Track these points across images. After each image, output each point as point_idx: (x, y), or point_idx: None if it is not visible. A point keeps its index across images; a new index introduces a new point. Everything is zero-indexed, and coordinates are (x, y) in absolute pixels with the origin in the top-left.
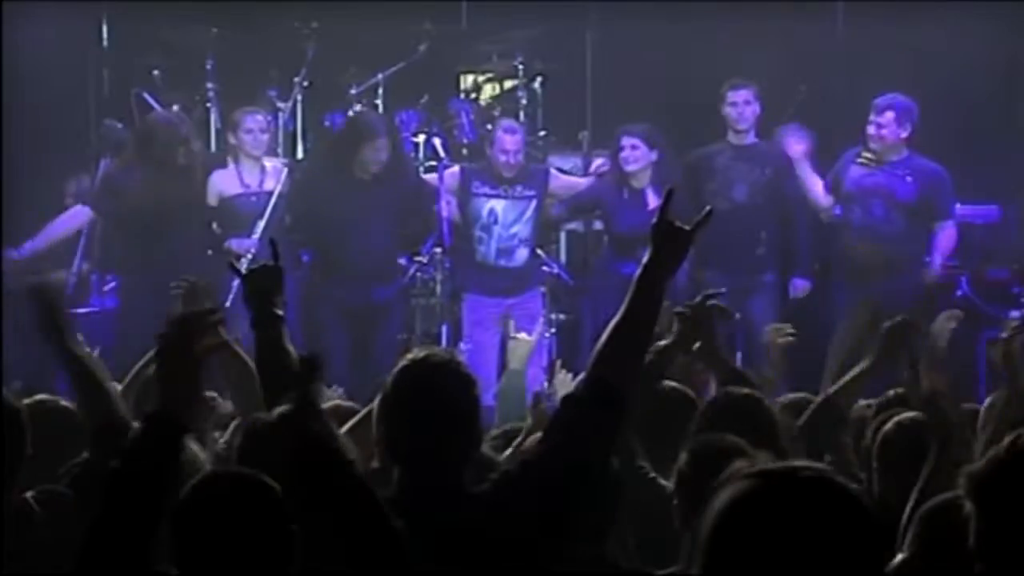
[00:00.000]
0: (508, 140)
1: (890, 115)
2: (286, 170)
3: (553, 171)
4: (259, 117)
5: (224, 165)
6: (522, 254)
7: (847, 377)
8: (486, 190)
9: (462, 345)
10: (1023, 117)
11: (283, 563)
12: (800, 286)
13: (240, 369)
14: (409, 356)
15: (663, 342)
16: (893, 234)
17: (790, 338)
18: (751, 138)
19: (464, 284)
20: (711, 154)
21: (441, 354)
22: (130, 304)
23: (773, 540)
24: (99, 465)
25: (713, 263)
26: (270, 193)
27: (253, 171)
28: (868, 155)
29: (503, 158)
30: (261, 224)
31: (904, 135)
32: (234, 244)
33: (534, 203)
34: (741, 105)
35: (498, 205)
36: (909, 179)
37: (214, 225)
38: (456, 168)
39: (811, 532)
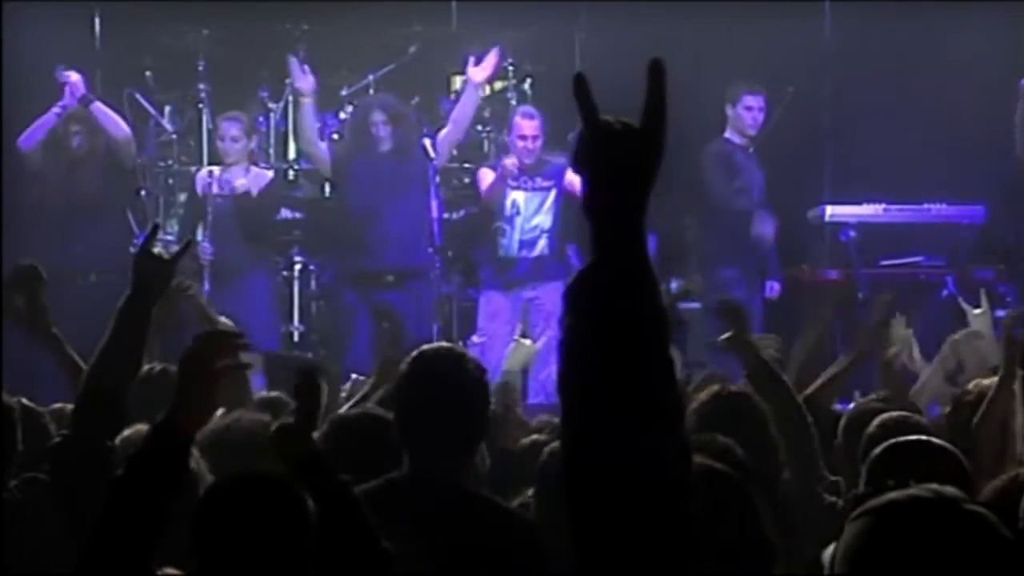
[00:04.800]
0: (526, 126)
1: None
2: (270, 174)
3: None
4: (236, 123)
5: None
6: (543, 244)
7: (825, 376)
8: (508, 181)
9: (475, 338)
10: (1010, 117)
11: (302, 565)
12: (776, 288)
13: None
14: (423, 347)
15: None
16: None
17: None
18: (752, 144)
19: (483, 280)
20: (731, 151)
21: (453, 347)
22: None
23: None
24: (79, 440)
25: (729, 261)
26: (239, 195)
27: (225, 175)
28: None
29: (521, 144)
30: (207, 228)
31: None
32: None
33: (553, 193)
34: (756, 111)
35: (519, 197)
36: None
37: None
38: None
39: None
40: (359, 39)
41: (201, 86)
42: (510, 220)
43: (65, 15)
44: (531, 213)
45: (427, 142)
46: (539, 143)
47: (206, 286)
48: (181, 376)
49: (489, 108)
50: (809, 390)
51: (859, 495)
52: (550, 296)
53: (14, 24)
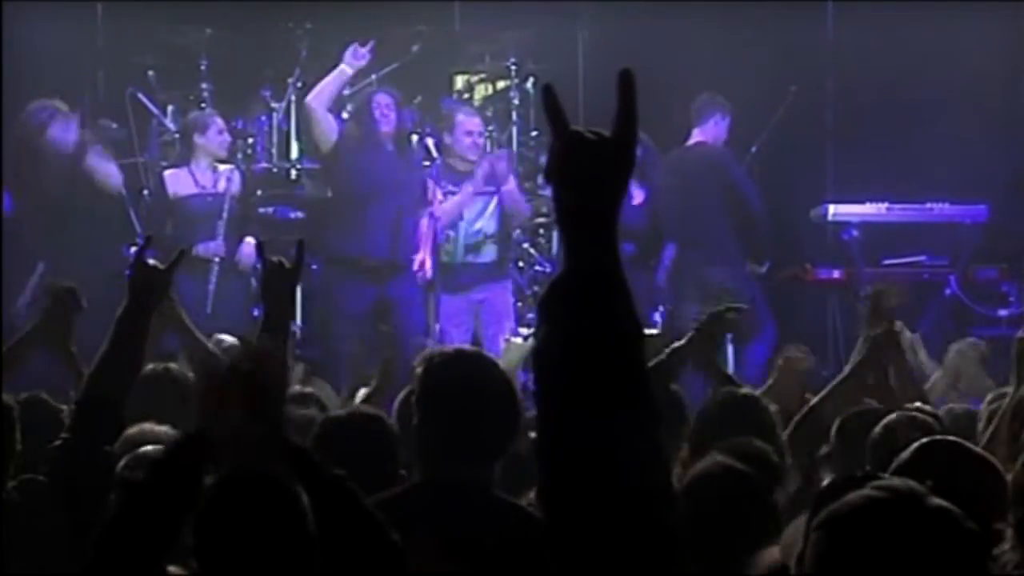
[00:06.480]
0: (469, 123)
1: None
2: (237, 173)
3: (511, 181)
4: (220, 120)
5: (177, 165)
6: (489, 250)
7: (830, 386)
8: (450, 187)
9: (428, 341)
10: (1013, 116)
11: (304, 565)
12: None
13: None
14: (446, 349)
15: (676, 344)
16: None
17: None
18: None
19: (436, 283)
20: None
21: (478, 350)
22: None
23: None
24: (77, 444)
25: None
26: (223, 194)
27: (207, 172)
28: None
29: (468, 140)
30: (222, 225)
31: None
32: (200, 249)
33: (495, 199)
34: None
35: None
36: None
37: (168, 226)
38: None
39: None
40: (362, 38)
41: (204, 85)
42: (454, 225)
43: (68, 14)
44: (474, 217)
45: (429, 142)
46: (483, 140)
47: (212, 283)
48: (223, 394)
49: (492, 108)
50: (814, 401)
51: (821, 492)
52: (499, 296)
53: (15, 23)
